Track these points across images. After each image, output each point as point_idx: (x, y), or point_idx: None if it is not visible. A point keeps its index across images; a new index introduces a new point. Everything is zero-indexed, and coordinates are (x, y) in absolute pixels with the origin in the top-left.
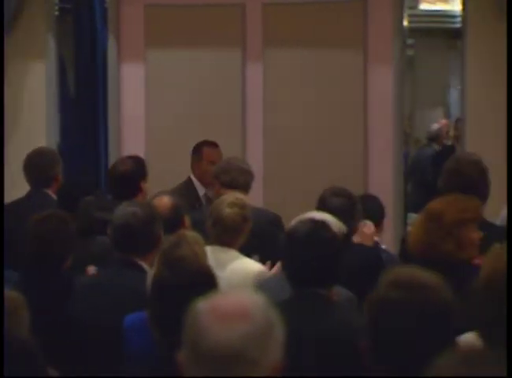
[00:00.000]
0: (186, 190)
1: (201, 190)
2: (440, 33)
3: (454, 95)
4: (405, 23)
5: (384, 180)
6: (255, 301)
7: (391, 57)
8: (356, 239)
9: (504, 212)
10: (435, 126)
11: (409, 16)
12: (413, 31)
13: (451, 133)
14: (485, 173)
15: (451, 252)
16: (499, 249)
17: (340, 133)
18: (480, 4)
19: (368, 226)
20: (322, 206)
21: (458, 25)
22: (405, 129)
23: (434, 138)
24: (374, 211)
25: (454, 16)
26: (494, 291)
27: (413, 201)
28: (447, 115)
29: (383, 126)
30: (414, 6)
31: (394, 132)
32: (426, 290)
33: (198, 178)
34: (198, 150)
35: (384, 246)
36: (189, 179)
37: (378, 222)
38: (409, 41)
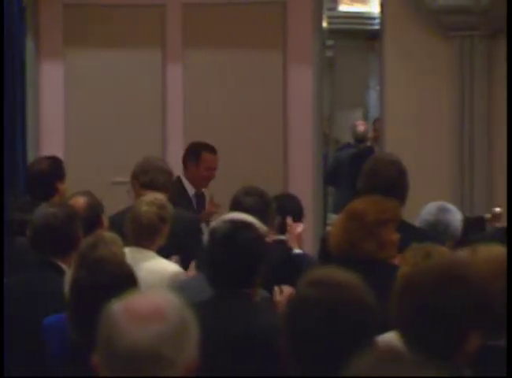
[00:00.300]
0: (175, 190)
1: (190, 190)
2: (359, 34)
3: (373, 96)
4: (324, 24)
5: (303, 181)
6: (170, 301)
7: (311, 58)
8: (287, 238)
9: (423, 212)
10: (360, 127)
11: (329, 17)
12: (332, 33)
13: (370, 134)
14: (404, 174)
15: (372, 251)
16: (417, 249)
17: (260, 133)
18: (397, 5)
19: (297, 226)
20: (236, 206)
21: (377, 27)
22: (324, 130)
23: (361, 138)
24: (293, 210)
25: (372, 18)
26: (413, 292)
27: (335, 201)
28: (366, 116)
29: (302, 126)
30: (333, 8)
31: (313, 133)
32: (344, 290)
33: (189, 179)
34: (196, 153)
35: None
36: (178, 179)
37: (297, 222)
38: (329, 42)
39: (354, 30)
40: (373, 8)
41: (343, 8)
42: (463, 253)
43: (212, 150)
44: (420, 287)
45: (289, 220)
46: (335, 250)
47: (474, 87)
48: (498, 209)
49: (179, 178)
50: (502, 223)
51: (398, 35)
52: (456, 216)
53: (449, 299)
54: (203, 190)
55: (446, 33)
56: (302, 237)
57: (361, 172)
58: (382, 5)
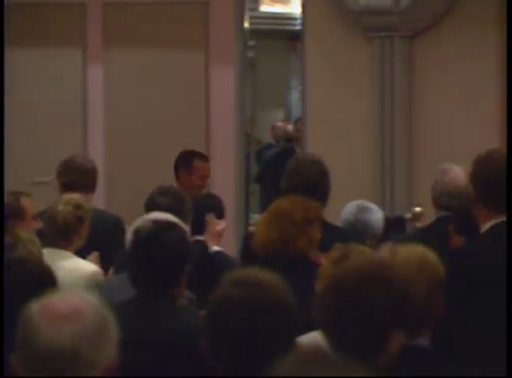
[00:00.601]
0: None
1: None
2: (281, 35)
3: (294, 96)
4: (246, 24)
5: (225, 180)
6: (89, 301)
7: (233, 59)
8: (205, 236)
9: (344, 212)
10: (289, 126)
11: (250, 17)
12: (254, 33)
13: (295, 134)
14: (325, 174)
15: (305, 249)
16: (339, 249)
17: (183, 133)
18: (318, 6)
19: (217, 223)
20: (151, 207)
21: (298, 27)
22: (246, 130)
23: (291, 138)
24: (214, 210)
25: (294, 19)
26: (335, 292)
27: (261, 201)
28: (288, 116)
29: (224, 127)
30: (255, 8)
31: (235, 133)
32: (266, 290)
33: (182, 189)
34: (187, 162)
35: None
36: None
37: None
38: (251, 42)
39: (275, 30)
40: (295, 8)
41: (265, 8)
42: (383, 254)
43: (204, 157)
44: (342, 287)
45: (210, 217)
46: (263, 249)
47: (395, 88)
48: (418, 209)
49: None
50: (423, 223)
51: (320, 35)
52: (376, 215)
53: (370, 300)
54: None
55: (367, 34)
56: (222, 235)
57: (284, 172)
58: (303, 6)
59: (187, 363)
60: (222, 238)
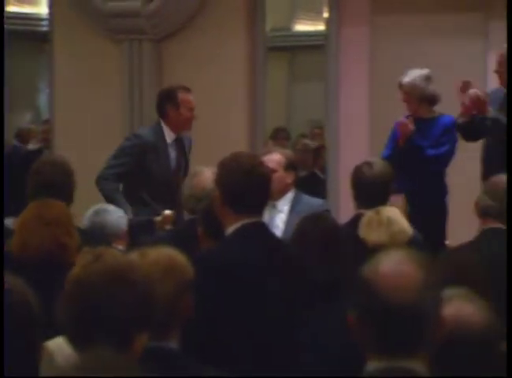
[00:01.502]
0: (153, 134)
1: (169, 137)
2: (29, 36)
3: (43, 98)
4: None
5: None
6: None
7: None
8: None
9: (84, 217)
10: (38, 129)
11: None
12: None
13: (42, 135)
14: (70, 175)
15: (62, 252)
16: (88, 252)
17: None
18: (66, 8)
19: None
20: None
21: (46, 28)
22: None
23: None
24: None
25: (42, 19)
26: (79, 293)
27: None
28: (37, 118)
29: None
30: None
31: None
32: (7, 292)
33: (170, 125)
34: (172, 96)
35: None
36: (158, 124)
37: None
38: None
39: (24, 31)
40: (43, 9)
41: (12, 9)
42: (132, 256)
43: (186, 88)
44: (86, 288)
45: None
46: (21, 252)
47: (143, 89)
48: (167, 212)
49: (159, 123)
50: (171, 225)
51: (68, 37)
52: (114, 215)
53: (114, 301)
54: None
55: (115, 36)
56: None
57: (29, 173)
58: (50, 7)
59: None
60: None
